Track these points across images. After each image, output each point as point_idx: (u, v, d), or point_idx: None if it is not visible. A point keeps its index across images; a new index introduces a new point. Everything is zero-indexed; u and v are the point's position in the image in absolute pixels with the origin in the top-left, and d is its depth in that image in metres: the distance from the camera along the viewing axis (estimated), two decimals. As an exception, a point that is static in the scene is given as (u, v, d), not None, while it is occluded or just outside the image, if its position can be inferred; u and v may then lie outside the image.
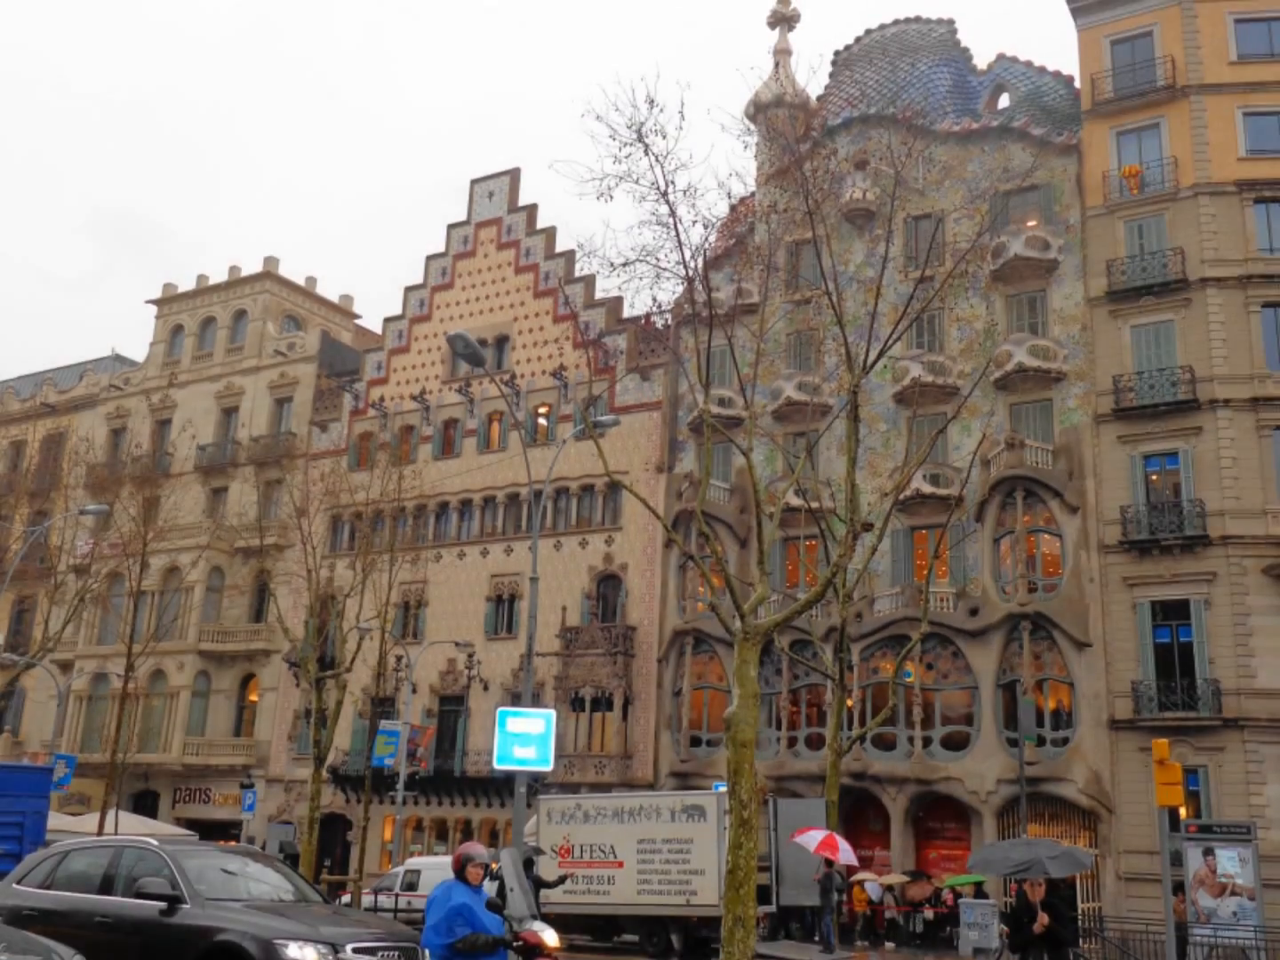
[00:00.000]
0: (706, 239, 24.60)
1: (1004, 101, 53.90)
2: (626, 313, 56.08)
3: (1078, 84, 50.26)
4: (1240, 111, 46.33)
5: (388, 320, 66.25)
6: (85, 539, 62.45)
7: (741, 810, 19.58)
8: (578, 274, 55.62)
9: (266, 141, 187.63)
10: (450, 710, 57.49)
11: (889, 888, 44.08)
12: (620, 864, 34.73)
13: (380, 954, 14.51)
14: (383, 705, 54.35)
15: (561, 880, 29.21)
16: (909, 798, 45.80)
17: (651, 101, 22.45)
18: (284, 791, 60.10)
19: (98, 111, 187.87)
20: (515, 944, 12.51)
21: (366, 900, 42.67)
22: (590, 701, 52.95)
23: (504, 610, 57.55)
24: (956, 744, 45.48)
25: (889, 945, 42.68)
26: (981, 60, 55.00)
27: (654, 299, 25.44)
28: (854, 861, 35.58)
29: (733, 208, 26.52)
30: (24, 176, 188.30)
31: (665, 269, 24.04)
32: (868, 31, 56.46)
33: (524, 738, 21.65)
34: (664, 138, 22.71)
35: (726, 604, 27.00)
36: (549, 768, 23.07)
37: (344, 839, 57.74)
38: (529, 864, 27.09)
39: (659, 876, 33.96)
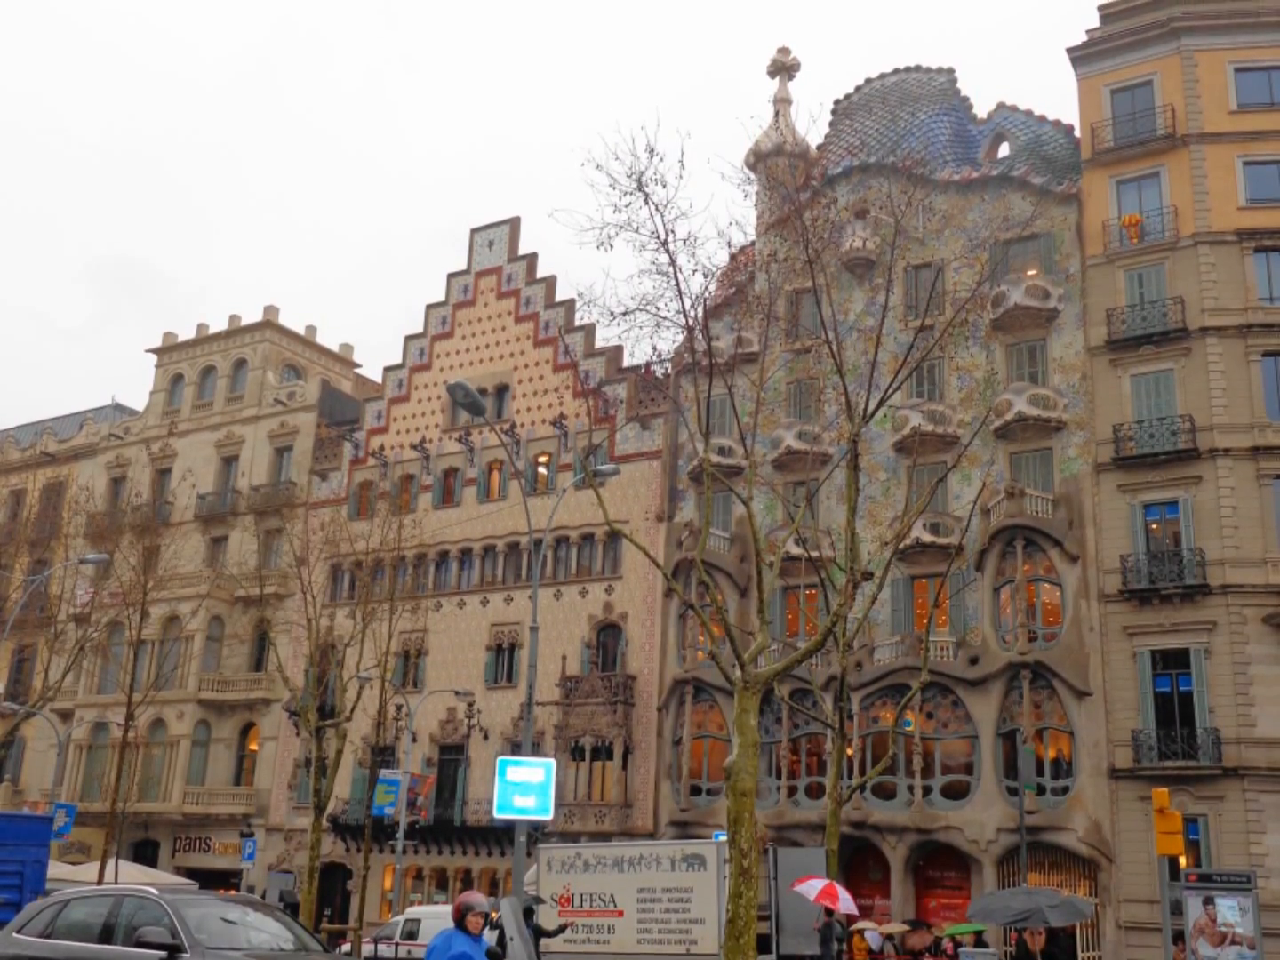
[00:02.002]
0: (706, 288, 24.75)
1: (1004, 150, 54.07)
2: (626, 362, 56.34)
3: (1078, 133, 50.44)
4: (1240, 161, 46.53)
5: (388, 369, 66.37)
6: (85, 588, 62.38)
7: (741, 859, 19.56)
8: (578, 323, 55.86)
9: (266, 189, 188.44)
10: (450, 759, 57.31)
11: (889, 937, 43.74)
12: (620, 913, 34.52)
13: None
14: (383, 754, 54.16)
15: (561, 929, 29.13)
16: (909, 847, 45.65)
17: (651, 150, 22.67)
18: (284, 840, 59.90)
19: (97, 159, 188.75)
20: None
21: (366, 949, 42.58)
22: (590, 750, 52.81)
23: (504, 659, 57.46)
24: (956, 793, 45.34)
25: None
26: (981, 109, 55.27)
27: (654, 348, 25.61)
28: (854, 910, 35.32)
29: (733, 257, 26.72)
30: (23, 224, 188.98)
31: (665, 318, 24.21)
32: (868, 80, 56.67)
33: (524, 787, 21.66)
34: (664, 186, 22.94)
35: (726, 653, 27.02)
36: (549, 817, 23.06)
37: (344, 888, 57.54)
38: (529, 913, 27.00)
39: (659, 925, 33.74)
